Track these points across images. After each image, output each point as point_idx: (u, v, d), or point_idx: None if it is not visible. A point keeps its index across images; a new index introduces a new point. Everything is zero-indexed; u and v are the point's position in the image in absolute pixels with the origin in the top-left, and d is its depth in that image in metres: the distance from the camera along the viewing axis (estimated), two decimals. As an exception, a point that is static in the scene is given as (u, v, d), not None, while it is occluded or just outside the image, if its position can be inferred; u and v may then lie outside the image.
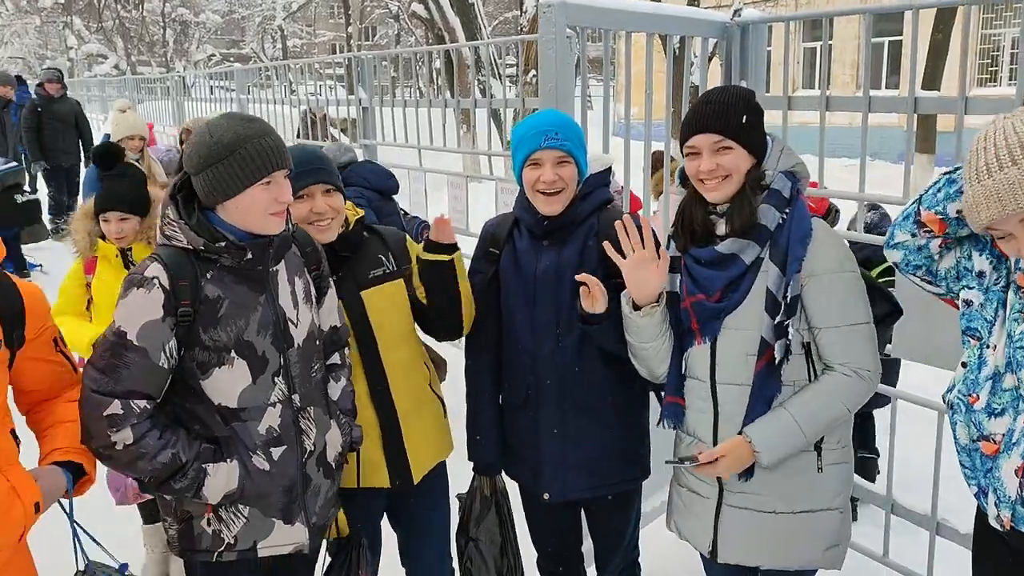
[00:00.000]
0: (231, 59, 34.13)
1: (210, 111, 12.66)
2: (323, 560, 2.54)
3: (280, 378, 2.17)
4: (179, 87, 13.84)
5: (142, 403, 2.03)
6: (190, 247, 2.07)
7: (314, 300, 2.32)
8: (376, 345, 2.54)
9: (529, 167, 2.47)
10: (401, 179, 6.89)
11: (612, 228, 2.38)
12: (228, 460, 2.11)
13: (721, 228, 2.27)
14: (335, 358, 2.45)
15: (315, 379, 2.28)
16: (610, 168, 2.65)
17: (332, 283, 2.41)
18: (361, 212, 2.63)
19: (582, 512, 2.82)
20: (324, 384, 2.35)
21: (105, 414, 1.99)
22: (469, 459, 2.75)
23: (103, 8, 22.38)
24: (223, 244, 2.07)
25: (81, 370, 2.14)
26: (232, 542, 2.17)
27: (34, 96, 10.30)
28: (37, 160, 10.12)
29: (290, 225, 2.22)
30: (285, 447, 2.19)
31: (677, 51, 3.87)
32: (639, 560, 2.90)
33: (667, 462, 2.32)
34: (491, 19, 24.94)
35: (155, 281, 2.02)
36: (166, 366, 2.05)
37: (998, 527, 1.92)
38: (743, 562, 2.34)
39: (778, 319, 2.17)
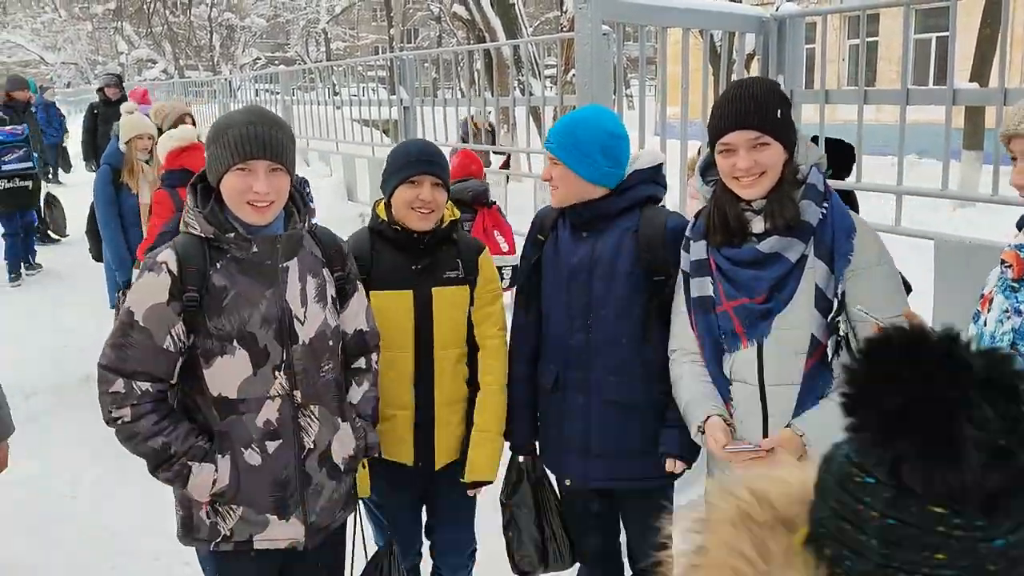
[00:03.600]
0: (276, 62, 34.60)
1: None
2: (351, 567, 2.60)
3: (281, 372, 2.20)
4: (225, 90, 14.10)
5: (145, 384, 2.11)
6: (202, 235, 2.14)
7: (331, 300, 2.33)
8: (433, 339, 2.67)
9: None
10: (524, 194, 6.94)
11: (653, 229, 2.49)
12: (221, 456, 2.16)
13: (757, 225, 2.23)
14: (360, 362, 2.48)
15: (324, 379, 2.30)
16: (660, 165, 2.66)
17: (359, 286, 2.46)
18: (458, 215, 2.78)
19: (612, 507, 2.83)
20: (338, 385, 2.37)
21: (111, 391, 2.09)
22: (506, 438, 2.82)
23: (152, 14, 22.83)
24: (231, 235, 2.13)
25: None
26: (228, 534, 2.23)
27: (96, 99, 10.70)
28: (90, 160, 10.39)
29: (305, 223, 2.28)
30: (281, 441, 2.22)
31: (719, 48, 3.87)
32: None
33: (726, 448, 2.21)
34: (532, 19, 24.95)
35: (163, 266, 2.10)
36: (172, 349, 2.11)
37: None
38: None
39: (830, 316, 2.15)
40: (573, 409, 2.62)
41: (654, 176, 2.62)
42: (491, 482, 2.79)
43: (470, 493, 2.81)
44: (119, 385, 2.09)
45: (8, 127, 8.70)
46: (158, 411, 2.13)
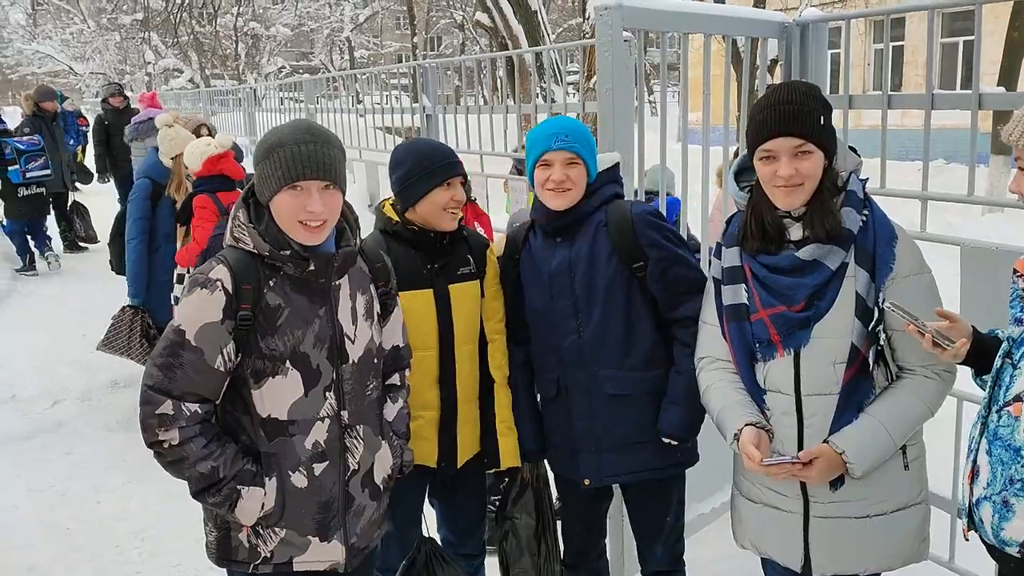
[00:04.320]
0: (300, 71, 34.87)
1: (278, 121, 12.97)
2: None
3: (331, 393, 2.16)
4: (250, 99, 14.20)
5: (194, 406, 2.03)
6: (256, 252, 2.07)
7: (376, 317, 2.30)
8: (454, 335, 2.70)
9: (540, 167, 2.60)
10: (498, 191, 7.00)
11: (620, 220, 2.57)
12: (268, 478, 2.10)
13: (795, 232, 2.20)
14: (395, 379, 2.45)
15: (369, 397, 2.27)
16: (617, 164, 2.77)
17: (399, 301, 2.44)
18: (462, 216, 2.80)
19: (607, 510, 2.93)
20: (379, 403, 2.35)
21: (157, 412, 2.00)
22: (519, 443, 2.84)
23: (179, 24, 23.09)
24: (287, 252, 2.06)
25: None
26: (268, 556, 2.16)
27: (100, 111, 10.68)
28: (104, 172, 10.46)
29: (357, 240, 2.23)
30: (328, 463, 2.17)
31: (742, 53, 3.85)
32: (684, 559, 2.89)
33: (764, 462, 2.13)
34: (555, 26, 24.98)
35: (218, 283, 2.02)
36: (223, 369, 2.04)
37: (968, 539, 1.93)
38: (841, 572, 2.26)
39: (871, 325, 2.11)
40: (579, 410, 2.66)
41: (614, 175, 2.73)
42: (519, 468, 2.85)
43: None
44: (167, 406, 2.01)
45: (27, 137, 9.25)
46: (205, 434, 2.05)
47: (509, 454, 2.79)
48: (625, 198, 2.77)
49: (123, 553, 4.01)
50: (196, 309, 2.02)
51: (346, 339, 2.18)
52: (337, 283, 2.18)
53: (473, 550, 2.96)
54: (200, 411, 2.04)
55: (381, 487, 2.32)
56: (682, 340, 2.56)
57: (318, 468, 2.15)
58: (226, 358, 2.04)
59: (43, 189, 9.55)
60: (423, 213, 2.64)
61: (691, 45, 3.51)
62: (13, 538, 4.09)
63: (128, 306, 5.29)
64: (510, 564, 2.89)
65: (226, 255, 2.07)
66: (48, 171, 9.40)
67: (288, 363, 2.08)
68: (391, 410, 2.42)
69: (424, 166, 2.63)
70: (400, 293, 2.58)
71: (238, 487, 2.06)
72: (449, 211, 2.63)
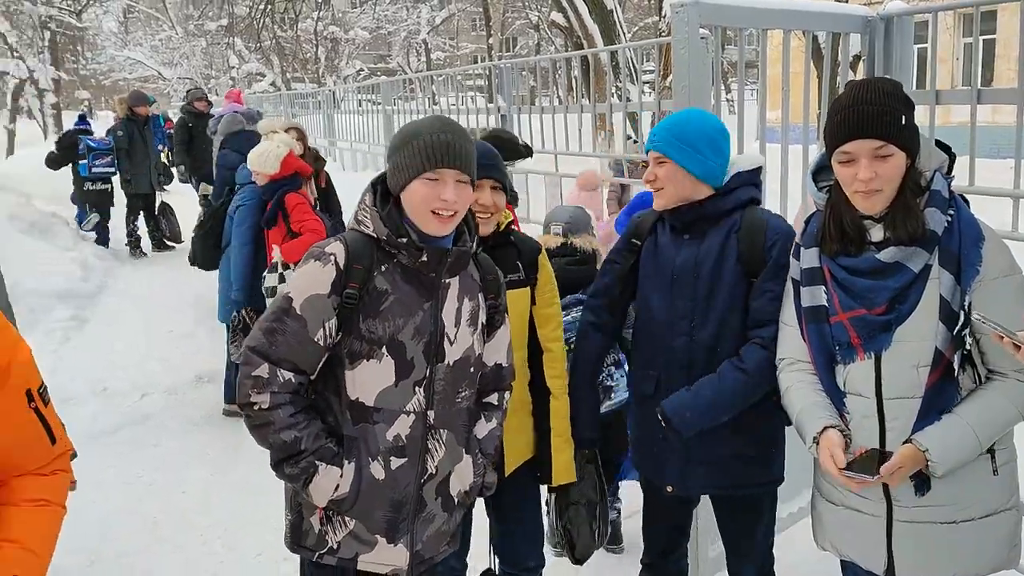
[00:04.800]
0: (378, 73, 35.40)
1: (357, 123, 13.20)
2: None
3: (421, 389, 2.14)
4: (329, 101, 14.51)
5: (289, 375, 2.05)
6: (374, 235, 2.10)
7: (480, 327, 2.28)
8: None
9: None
10: (538, 185, 7.06)
11: (754, 229, 2.46)
12: (347, 462, 2.09)
13: (876, 234, 2.14)
14: (492, 398, 2.41)
15: (459, 405, 2.24)
16: (760, 168, 2.64)
17: (507, 319, 2.40)
18: (511, 216, 2.69)
19: (691, 512, 2.87)
20: (469, 415, 2.30)
21: (253, 374, 2.03)
22: (573, 433, 2.78)
23: (262, 29, 23.73)
24: (404, 240, 2.08)
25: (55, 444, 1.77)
26: (335, 547, 2.15)
27: (183, 115, 11.01)
28: (185, 173, 10.76)
29: (473, 244, 2.22)
30: (406, 460, 2.15)
31: (823, 50, 3.77)
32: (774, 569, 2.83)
33: (843, 471, 2.09)
34: (631, 25, 24.79)
35: (331, 258, 2.06)
36: (322, 343, 2.06)
37: None
38: None
39: (956, 329, 2.04)
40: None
41: (754, 178, 2.60)
42: (574, 483, 2.77)
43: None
44: (263, 370, 2.04)
45: (99, 137, 10.28)
46: (295, 403, 2.07)
47: (563, 470, 2.71)
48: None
49: (207, 543, 4.14)
50: (307, 279, 2.06)
51: (445, 338, 2.17)
52: (447, 281, 2.17)
53: (535, 561, 2.87)
54: (293, 380, 2.06)
55: (456, 500, 2.28)
56: (740, 352, 2.48)
57: (396, 463, 2.14)
58: (327, 333, 2.06)
59: (108, 186, 10.40)
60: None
61: (770, 42, 3.45)
62: (104, 528, 4.25)
63: (245, 309, 5.12)
64: (575, 540, 2.81)
65: (346, 235, 2.13)
66: (112, 169, 10.22)
67: (384, 349, 2.08)
68: (483, 428, 2.36)
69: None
70: None
71: (316, 462, 2.06)
72: (476, 215, 2.45)
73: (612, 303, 2.75)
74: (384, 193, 2.16)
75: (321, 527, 2.15)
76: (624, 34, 14.33)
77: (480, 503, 2.73)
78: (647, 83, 16.56)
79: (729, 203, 2.53)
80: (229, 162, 6.46)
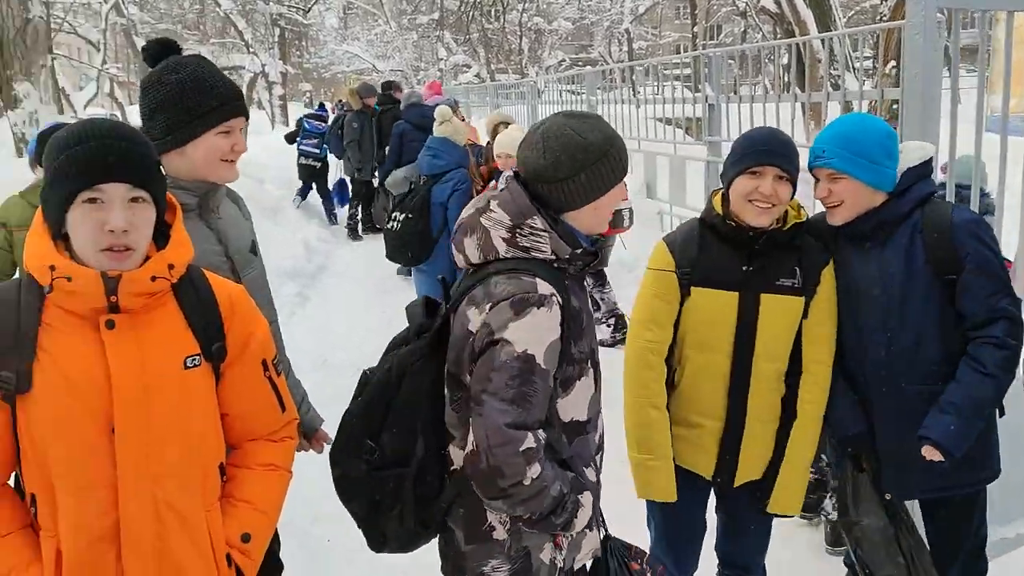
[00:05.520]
0: (579, 63, 35.64)
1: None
2: None
3: (599, 382, 2.12)
4: (533, 92, 14.77)
5: (541, 432, 1.88)
6: (553, 257, 1.94)
7: None
8: (752, 349, 2.51)
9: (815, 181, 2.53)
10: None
11: (938, 225, 2.34)
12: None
13: None
14: None
15: None
16: (930, 160, 2.50)
17: None
18: (804, 216, 2.55)
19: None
20: None
21: (522, 449, 1.82)
22: (836, 434, 2.64)
23: (470, 22, 24.52)
24: (579, 251, 1.97)
25: (287, 413, 2.02)
26: (562, 565, 2.07)
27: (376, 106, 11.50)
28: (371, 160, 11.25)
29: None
30: (603, 451, 2.16)
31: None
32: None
33: None
34: (845, 10, 23.54)
35: (553, 299, 1.88)
36: (552, 385, 1.92)
37: None
38: None
39: None
40: (885, 427, 2.50)
41: (925, 171, 2.47)
42: (793, 516, 2.65)
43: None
44: (529, 440, 1.83)
45: (315, 121, 11.77)
46: (546, 455, 1.90)
47: (784, 502, 2.58)
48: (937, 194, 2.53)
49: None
50: (539, 330, 1.86)
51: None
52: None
53: (753, 573, 2.81)
54: (542, 436, 1.89)
55: None
56: (974, 355, 2.35)
57: (599, 458, 2.15)
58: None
59: (318, 164, 11.70)
60: (732, 203, 2.50)
61: (1016, 25, 3.20)
62: (325, 487, 4.59)
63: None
64: (873, 569, 2.60)
65: (530, 268, 1.91)
66: (319, 151, 11.54)
67: (588, 362, 2.03)
68: None
69: (736, 152, 2.50)
70: (703, 289, 2.52)
71: (576, 496, 1.95)
72: (754, 203, 2.42)
73: None
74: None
75: (552, 555, 2.04)
76: (839, 19, 13.64)
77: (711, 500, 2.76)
78: (863, 71, 15.67)
79: (907, 204, 2.42)
80: (399, 130, 8.39)
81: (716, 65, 6.85)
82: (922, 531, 2.70)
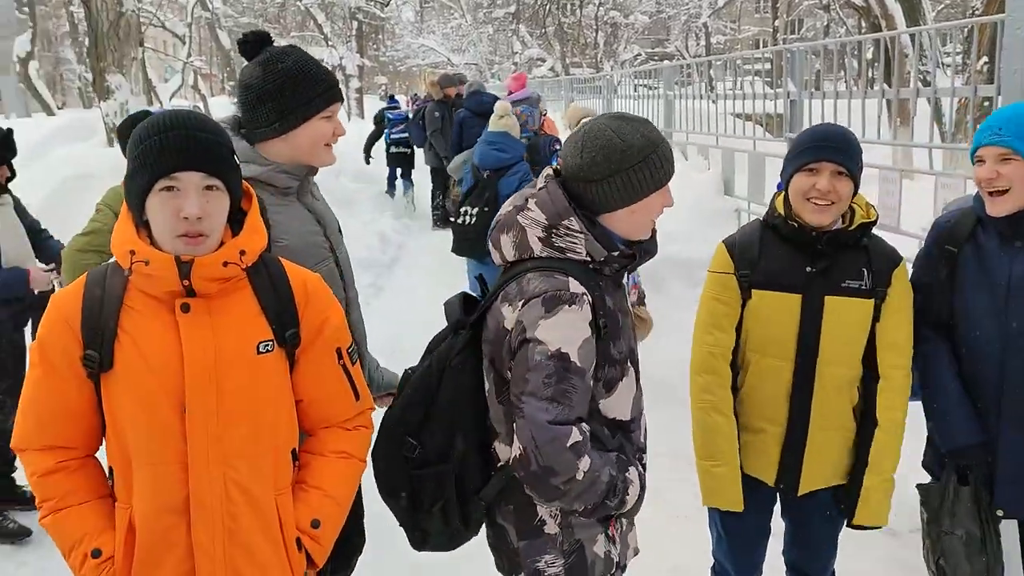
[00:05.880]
0: (655, 58, 35.28)
1: (634, 108, 13.28)
2: None
3: (640, 382, 2.09)
4: (608, 86, 14.68)
5: (584, 425, 1.87)
6: (588, 259, 1.93)
7: None
8: (816, 353, 2.43)
9: (977, 164, 2.33)
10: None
11: None
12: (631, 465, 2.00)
13: None
14: None
15: None
16: None
17: None
18: (873, 217, 2.45)
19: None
20: None
21: (569, 444, 1.81)
22: (942, 443, 2.53)
23: (547, 16, 24.52)
24: (615, 253, 1.95)
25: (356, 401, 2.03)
26: (618, 560, 2.04)
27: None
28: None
29: None
30: (647, 453, 2.13)
31: None
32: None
33: None
34: (934, 3, 22.78)
35: (584, 297, 1.87)
36: (591, 384, 1.92)
37: None
38: None
39: None
40: (1011, 438, 2.36)
41: None
42: (881, 527, 2.54)
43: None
44: (575, 434, 1.82)
45: (398, 110, 12.84)
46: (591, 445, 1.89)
47: (870, 513, 2.48)
48: None
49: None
50: (570, 328, 1.85)
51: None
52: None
53: None
54: (586, 428, 1.88)
55: None
56: None
57: (644, 457, 2.11)
58: (593, 374, 1.92)
59: (408, 150, 12.42)
60: (792, 202, 2.42)
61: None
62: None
63: None
64: None
65: (563, 267, 1.90)
66: (406, 135, 12.20)
67: (628, 362, 2.01)
68: None
69: (793, 149, 2.43)
70: (765, 291, 2.45)
71: (624, 476, 1.94)
72: (811, 201, 2.35)
73: (928, 320, 2.50)
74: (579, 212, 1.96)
75: (606, 548, 2.02)
76: (928, 13, 13.22)
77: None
78: (949, 66, 15.22)
79: None
80: (460, 118, 9.11)
81: (799, 60, 6.70)
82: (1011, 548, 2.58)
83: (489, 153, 5.72)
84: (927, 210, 4.73)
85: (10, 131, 3.98)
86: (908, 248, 3.83)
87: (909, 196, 5.29)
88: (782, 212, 2.47)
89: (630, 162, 1.89)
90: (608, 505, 1.90)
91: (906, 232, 4.94)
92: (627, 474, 1.94)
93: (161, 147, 1.70)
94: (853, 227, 2.41)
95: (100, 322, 1.74)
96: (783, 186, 2.49)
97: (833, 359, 2.43)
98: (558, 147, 8.29)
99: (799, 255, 2.44)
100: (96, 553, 1.77)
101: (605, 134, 1.91)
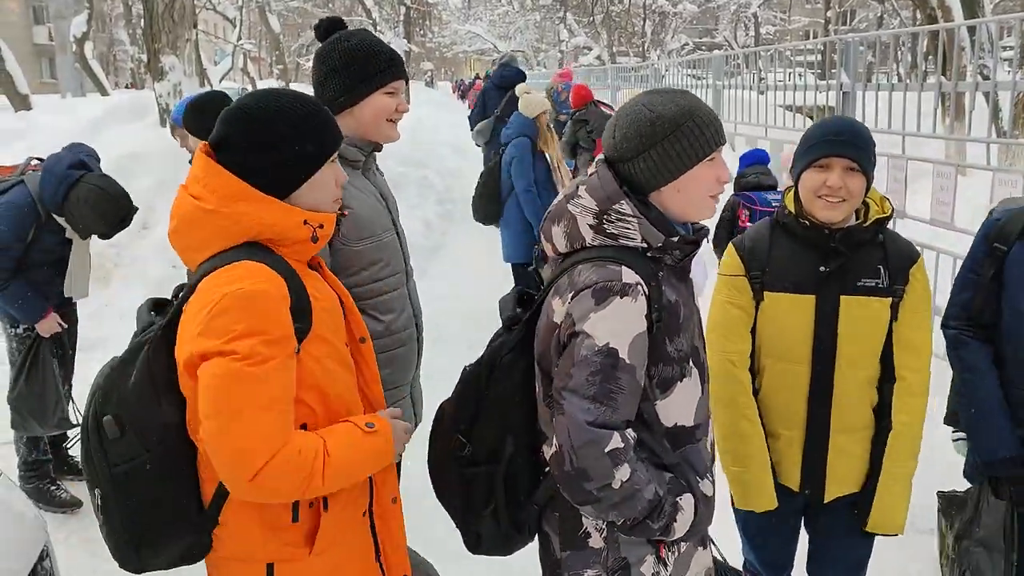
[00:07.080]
0: (703, 47, 34.90)
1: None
2: None
3: (706, 385, 1.94)
4: (655, 75, 14.56)
5: (630, 432, 1.74)
6: (644, 245, 1.79)
7: None
8: (833, 356, 2.35)
9: None
10: (879, 169, 6.60)
11: None
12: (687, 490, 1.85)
13: None
14: None
15: None
16: None
17: None
18: (888, 212, 2.36)
19: None
20: None
21: (607, 450, 1.69)
22: (979, 454, 2.45)
23: (595, 3, 24.37)
24: (675, 239, 1.80)
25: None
26: None
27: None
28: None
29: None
30: (716, 463, 2.00)
31: None
32: None
33: None
34: (994, -5, 22.21)
35: (639, 288, 1.73)
36: (644, 384, 1.78)
37: None
38: None
39: None
40: None
41: None
42: (897, 534, 2.43)
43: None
44: (616, 440, 1.70)
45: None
46: (637, 456, 1.76)
47: (883, 520, 2.38)
48: None
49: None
50: (622, 321, 1.72)
51: (701, 322, 1.97)
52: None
53: None
54: (631, 436, 1.75)
55: None
56: None
57: (716, 469, 1.98)
58: (645, 373, 1.78)
59: None
60: (803, 199, 2.33)
61: None
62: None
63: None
64: None
65: (618, 256, 1.77)
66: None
67: (690, 362, 1.86)
68: None
69: (802, 144, 2.34)
70: (777, 293, 2.37)
71: (676, 500, 1.80)
72: (823, 198, 2.26)
73: (972, 321, 2.44)
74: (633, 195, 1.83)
75: (655, 569, 1.87)
76: (987, 5, 12.90)
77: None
78: (1007, 60, 14.87)
79: None
80: (484, 88, 9.73)
81: (852, 51, 6.59)
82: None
83: (501, 129, 6.50)
84: (981, 207, 4.64)
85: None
86: (961, 245, 3.76)
87: (963, 192, 5.20)
88: (793, 210, 2.39)
89: (662, 133, 1.76)
90: (651, 527, 1.77)
91: (961, 229, 4.85)
92: (679, 499, 1.80)
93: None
94: (868, 223, 2.33)
95: (303, 295, 1.78)
96: (794, 182, 2.41)
97: (851, 361, 2.35)
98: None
99: (811, 254, 2.35)
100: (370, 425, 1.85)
101: (635, 109, 1.81)
